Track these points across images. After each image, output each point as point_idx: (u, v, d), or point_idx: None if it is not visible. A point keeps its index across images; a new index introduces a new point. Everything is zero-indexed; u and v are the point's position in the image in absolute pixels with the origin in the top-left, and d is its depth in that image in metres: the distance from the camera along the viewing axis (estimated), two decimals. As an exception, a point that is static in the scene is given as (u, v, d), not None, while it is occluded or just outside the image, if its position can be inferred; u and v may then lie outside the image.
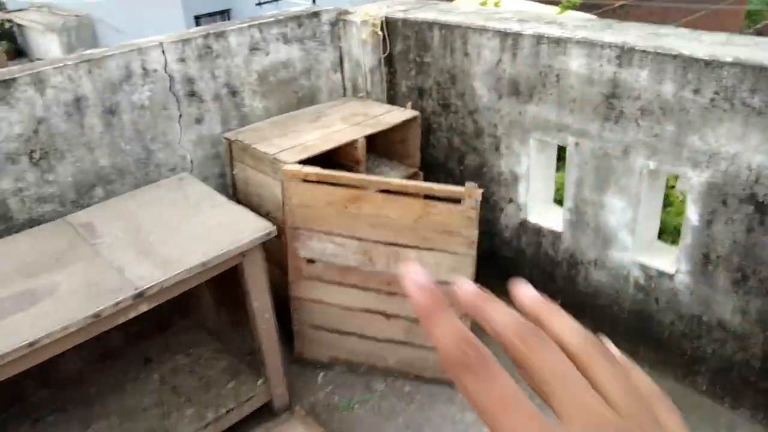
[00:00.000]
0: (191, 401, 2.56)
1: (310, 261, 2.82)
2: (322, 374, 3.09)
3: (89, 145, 2.71)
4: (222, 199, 2.62)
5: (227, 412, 2.55)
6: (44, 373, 2.59)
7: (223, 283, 2.63)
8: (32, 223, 2.58)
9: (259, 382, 2.66)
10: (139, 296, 2.00)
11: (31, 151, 2.55)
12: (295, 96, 3.43)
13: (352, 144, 2.94)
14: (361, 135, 2.96)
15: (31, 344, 1.78)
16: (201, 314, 3.04)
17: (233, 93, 3.15)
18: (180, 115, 2.99)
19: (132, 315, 2.03)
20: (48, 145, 2.59)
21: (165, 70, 2.87)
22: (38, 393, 2.64)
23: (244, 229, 2.37)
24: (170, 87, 2.92)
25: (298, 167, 2.68)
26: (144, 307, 2.05)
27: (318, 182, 2.71)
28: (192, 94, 3.00)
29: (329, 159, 2.92)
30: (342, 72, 3.61)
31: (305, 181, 2.71)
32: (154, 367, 2.79)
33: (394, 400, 2.97)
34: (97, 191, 2.78)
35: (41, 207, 2.62)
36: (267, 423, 2.68)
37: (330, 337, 2.98)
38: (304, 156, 2.79)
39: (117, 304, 1.94)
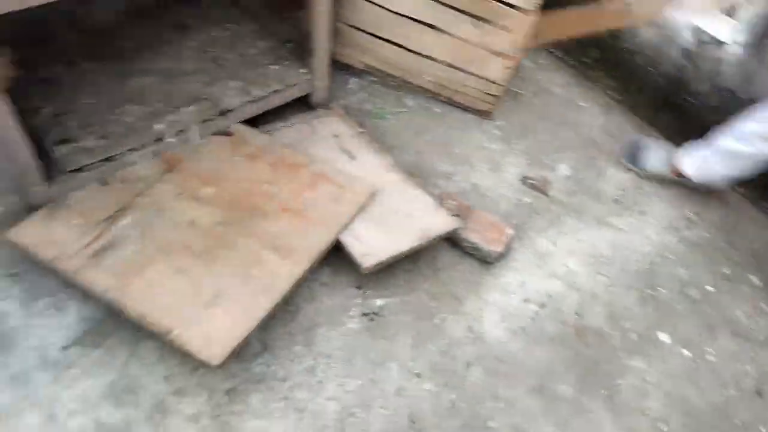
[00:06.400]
0: (235, 76, 2.60)
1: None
2: (354, 80, 3.13)
3: None
4: None
5: (272, 92, 2.59)
6: (73, 19, 2.62)
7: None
8: None
9: (303, 71, 2.69)
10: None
11: None
12: None
13: None
14: None
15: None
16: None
17: None
18: None
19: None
20: None
21: None
22: (69, 36, 2.61)
23: None
24: None
25: None
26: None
27: None
28: None
29: None
30: None
31: None
32: (190, 35, 2.76)
33: (424, 118, 3.05)
34: None
35: None
36: (305, 114, 2.76)
37: (370, 43, 2.98)
38: None
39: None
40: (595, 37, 3.33)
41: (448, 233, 2.38)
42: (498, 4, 2.66)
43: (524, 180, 2.84)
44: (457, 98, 3.05)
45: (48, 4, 1.76)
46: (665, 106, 3.20)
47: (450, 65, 2.94)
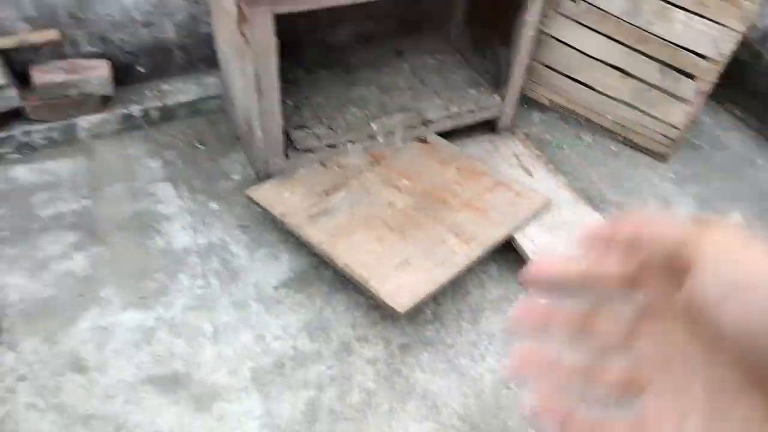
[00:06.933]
0: (437, 95, 3.05)
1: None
2: (537, 114, 3.48)
3: None
4: None
5: (468, 111, 3.01)
6: (315, 37, 3.22)
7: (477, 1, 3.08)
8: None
9: (496, 96, 3.09)
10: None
11: None
12: None
13: None
14: None
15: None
16: (448, 28, 3.45)
17: None
18: None
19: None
20: None
21: None
22: (310, 49, 3.21)
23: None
24: None
25: None
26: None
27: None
28: None
29: None
30: None
31: None
32: (405, 59, 3.28)
33: (600, 153, 3.30)
34: None
35: None
36: (491, 135, 3.15)
37: (559, 81, 3.32)
38: None
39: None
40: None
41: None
42: (688, 53, 2.90)
43: (693, 219, 2.97)
44: (635, 139, 3.27)
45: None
46: None
47: (632, 106, 3.19)
